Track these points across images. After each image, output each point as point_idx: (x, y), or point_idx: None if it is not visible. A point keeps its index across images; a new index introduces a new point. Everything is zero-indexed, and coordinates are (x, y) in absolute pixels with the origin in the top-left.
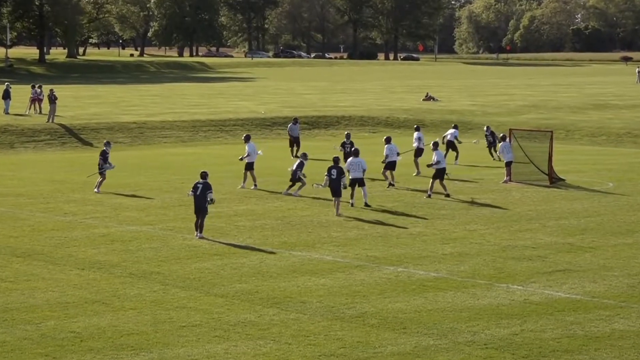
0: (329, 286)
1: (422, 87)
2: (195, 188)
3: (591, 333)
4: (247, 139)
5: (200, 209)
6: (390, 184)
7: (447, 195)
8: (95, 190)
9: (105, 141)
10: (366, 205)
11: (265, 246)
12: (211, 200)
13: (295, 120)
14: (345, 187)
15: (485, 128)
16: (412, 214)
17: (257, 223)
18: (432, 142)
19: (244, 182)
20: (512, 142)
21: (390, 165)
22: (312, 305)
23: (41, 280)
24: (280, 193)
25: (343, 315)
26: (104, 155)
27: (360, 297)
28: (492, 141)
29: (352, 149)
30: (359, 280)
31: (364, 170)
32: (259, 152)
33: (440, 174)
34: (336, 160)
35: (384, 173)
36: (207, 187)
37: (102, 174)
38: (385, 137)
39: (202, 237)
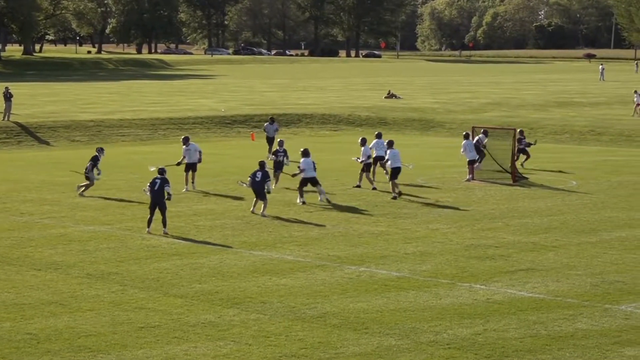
0: (289, 286)
1: (384, 85)
2: (152, 184)
3: (554, 332)
4: (186, 140)
5: (159, 205)
6: (373, 188)
7: (397, 195)
8: (80, 192)
9: (98, 147)
10: (328, 201)
11: (225, 246)
12: (169, 195)
13: (272, 120)
14: (269, 192)
15: (518, 131)
16: (374, 213)
17: (217, 222)
18: (387, 141)
19: (191, 183)
20: (474, 140)
21: (367, 167)
22: (273, 306)
23: None
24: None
25: (304, 316)
26: (94, 161)
27: (321, 297)
28: (522, 148)
29: (302, 150)
30: (320, 280)
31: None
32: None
33: (394, 173)
34: (262, 164)
35: (367, 177)
36: (165, 182)
37: (88, 178)
38: (360, 139)
39: (166, 234)
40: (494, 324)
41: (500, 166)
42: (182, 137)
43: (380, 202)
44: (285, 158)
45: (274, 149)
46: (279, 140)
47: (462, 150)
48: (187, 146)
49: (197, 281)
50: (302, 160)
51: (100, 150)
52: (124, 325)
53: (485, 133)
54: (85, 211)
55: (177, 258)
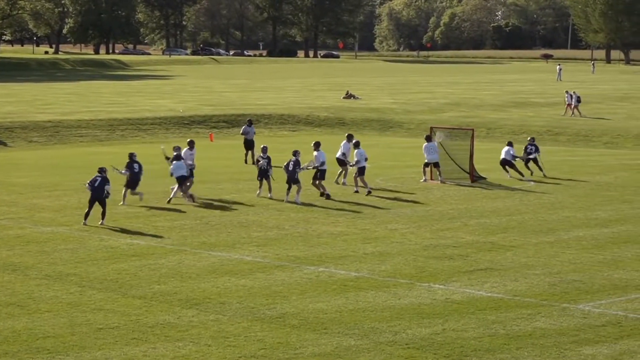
0: (249, 287)
1: (343, 85)
2: (93, 181)
3: (513, 332)
4: (192, 144)
5: (99, 200)
6: (368, 191)
7: (325, 196)
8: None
9: (175, 146)
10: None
11: (184, 247)
12: (107, 193)
13: (250, 122)
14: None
15: (529, 139)
16: (333, 214)
17: (176, 223)
18: (313, 142)
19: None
20: (435, 141)
21: (361, 171)
22: (232, 306)
23: None
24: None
25: (263, 316)
26: (177, 160)
27: (280, 297)
28: (531, 153)
29: (267, 164)
30: (280, 281)
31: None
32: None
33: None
34: (131, 155)
35: (355, 178)
36: (105, 181)
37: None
38: (354, 142)
39: (102, 224)
40: (453, 324)
41: (459, 166)
42: (188, 140)
43: (339, 202)
44: (268, 165)
45: (257, 155)
46: (262, 146)
47: (423, 151)
48: (191, 150)
49: (155, 282)
50: (174, 163)
51: (178, 148)
52: (82, 326)
53: (510, 144)
54: (43, 212)
55: (136, 259)
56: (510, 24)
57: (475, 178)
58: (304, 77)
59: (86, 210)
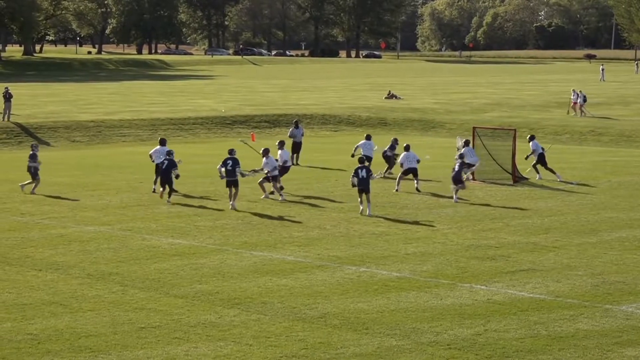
0: (290, 286)
1: (385, 85)
2: (162, 163)
3: (555, 333)
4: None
5: (167, 182)
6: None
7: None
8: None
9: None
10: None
11: (225, 246)
12: (177, 175)
13: (296, 124)
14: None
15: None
16: (374, 214)
17: (218, 223)
18: (404, 145)
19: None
20: (475, 141)
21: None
22: (274, 306)
23: None
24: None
25: (305, 316)
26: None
27: (322, 297)
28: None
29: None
30: (321, 281)
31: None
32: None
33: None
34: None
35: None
36: (172, 164)
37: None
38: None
39: (169, 202)
40: (495, 325)
41: (501, 166)
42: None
43: (380, 202)
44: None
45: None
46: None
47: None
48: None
49: (197, 281)
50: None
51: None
52: (124, 325)
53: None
54: (86, 211)
55: (178, 258)
56: (553, 23)
57: (517, 178)
58: (345, 77)
59: (161, 190)
